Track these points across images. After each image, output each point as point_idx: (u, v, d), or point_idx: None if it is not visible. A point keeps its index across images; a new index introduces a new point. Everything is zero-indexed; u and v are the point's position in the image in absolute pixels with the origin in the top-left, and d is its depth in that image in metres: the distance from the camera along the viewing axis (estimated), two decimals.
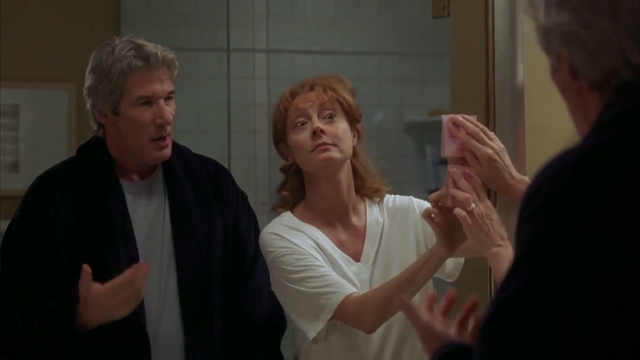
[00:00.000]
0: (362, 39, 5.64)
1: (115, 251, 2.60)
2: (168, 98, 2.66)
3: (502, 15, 2.86)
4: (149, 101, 2.62)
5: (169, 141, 2.65)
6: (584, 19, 1.36)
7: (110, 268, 2.59)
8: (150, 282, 2.62)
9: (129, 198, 2.68)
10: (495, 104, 2.89)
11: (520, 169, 2.88)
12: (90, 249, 2.62)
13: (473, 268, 3.01)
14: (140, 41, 2.65)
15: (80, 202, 2.65)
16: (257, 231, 2.81)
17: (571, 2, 1.37)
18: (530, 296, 1.26)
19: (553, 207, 1.28)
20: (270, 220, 2.70)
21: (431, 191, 5.50)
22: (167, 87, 2.65)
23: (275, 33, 5.44)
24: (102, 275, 2.58)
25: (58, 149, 4.75)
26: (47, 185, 2.71)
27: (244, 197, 2.85)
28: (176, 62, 2.68)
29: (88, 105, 2.68)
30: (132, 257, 2.61)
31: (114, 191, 2.66)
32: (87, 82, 2.66)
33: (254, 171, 5.34)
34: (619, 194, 1.26)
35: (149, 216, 2.69)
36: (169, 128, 2.64)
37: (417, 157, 5.67)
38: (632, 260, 1.24)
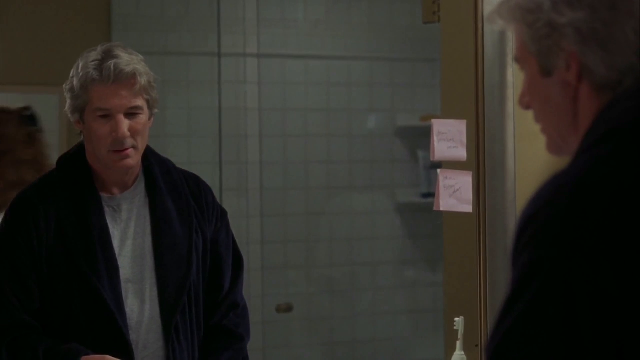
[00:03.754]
0: (353, 45, 5.64)
1: (95, 265, 2.60)
2: (132, 113, 2.63)
3: None
4: (107, 114, 2.61)
5: (129, 152, 2.62)
6: (601, 16, 1.36)
7: (89, 281, 2.60)
8: (132, 294, 2.64)
9: (108, 211, 2.68)
10: (485, 109, 2.90)
11: (509, 173, 2.89)
12: (70, 263, 2.62)
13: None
14: (115, 51, 2.63)
15: (60, 217, 2.65)
16: (234, 247, 2.88)
17: (585, 0, 1.37)
18: (532, 322, 1.26)
19: (551, 232, 1.28)
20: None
21: (424, 195, 5.55)
22: (127, 102, 2.61)
23: (267, 38, 5.45)
24: (83, 289, 2.60)
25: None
26: (27, 201, 2.70)
27: (223, 214, 2.86)
28: (138, 77, 2.61)
29: (66, 107, 2.68)
30: (112, 270, 2.62)
31: (93, 205, 2.66)
32: (67, 83, 2.68)
33: (245, 176, 5.35)
34: (617, 216, 1.25)
35: (129, 229, 2.69)
36: (129, 141, 2.61)
37: (409, 161, 5.67)
38: (632, 283, 1.23)
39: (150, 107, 2.67)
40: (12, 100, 5.05)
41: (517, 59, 1.51)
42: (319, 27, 5.59)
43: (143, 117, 2.64)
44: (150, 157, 2.76)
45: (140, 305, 2.65)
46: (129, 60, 2.62)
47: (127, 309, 2.62)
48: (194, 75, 5.37)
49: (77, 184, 2.69)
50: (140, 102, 2.63)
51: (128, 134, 2.60)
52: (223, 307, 2.80)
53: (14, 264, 2.64)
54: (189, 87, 5.36)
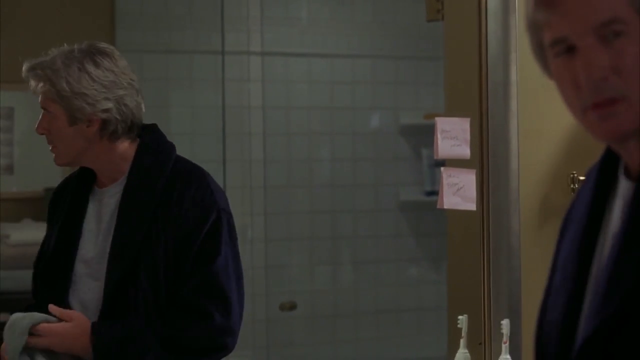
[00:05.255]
0: (357, 43, 5.65)
1: (51, 256, 2.69)
2: (45, 111, 2.64)
3: (495, 18, 2.87)
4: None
5: (53, 150, 2.66)
6: None
7: (40, 272, 2.72)
8: (98, 290, 2.64)
9: (96, 205, 2.70)
10: (489, 106, 2.89)
11: (513, 171, 2.89)
12: (45, 252, 2.73)
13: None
14: (60, 49, 2.69)
15: (59, 207, 2.75)
16: (207, 245, 2.65)
17: None
18: None
19: None
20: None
21: (427, 193, 5.55)
22: (39, 99, 2.65)
23: (270, 36, 5.45)
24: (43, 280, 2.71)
25: None
26: (57, 188, 2.84)
27: (207, 212, 2.65)
28: (32, 81, 2.65)
29: None
30: (66, 260, 2.67)
31: (77, 197, 2.72)
32: None
33: (249, 173, 5.35)
34: None
35: (102, 224, 2.69)
36: (47, 139, 2.66)
37: (413, 159, 5.68)
38: None
39: (71, 116, 2.62)
40: (15, 98, 5.06)
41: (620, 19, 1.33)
42: (323, 25, 5.60)
43: (52, 121, 2.63)
44: (143, 152, 2.71)
45: (91, 299, 2.65)
46: (38, 64, 2.67)
47: (81, 299, 2.65)
48: (198, 74, 5.37)
49: (83, 177, 2.75)
50: (47, 104, 2.63)
51: (39, 130, 2.65)
52: (170, 307, 2.63)
53: (42, 247, 2.79)
54: (193, 85, 5.36)
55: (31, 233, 4.57)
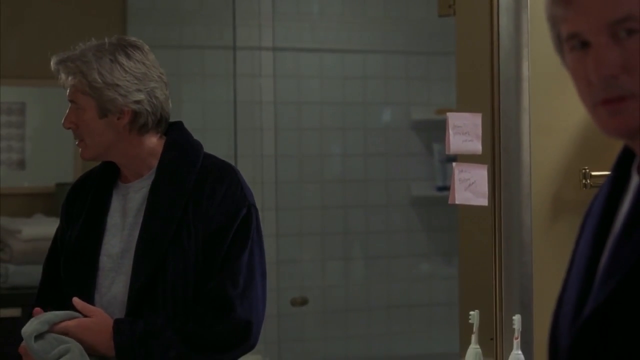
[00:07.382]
0: (368, 38, 5.65)
1: (72, 256, 2.68)
2: (74, 104, 2.65)
3: (507, 13, 2.86)
4: None
5: (80, 144, 2.65)
6: None
7: (64, 267, 2.70)
8: (113, 283, 2.64)
9: (120, 200, 2.69)
10: (500, 102, 2.89)
11: (525, 167, 2.89)
12: (62, 247, 2.73)
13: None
14: (89, 43, 2.68)
15: (80, 202, 2.74)
16: (244, 233, 2.66)
17: None
18: None
19: None
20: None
21: (439, 188, 5.55)
22: (67, 93, 2.66)
23: (282, 31, 5.45)
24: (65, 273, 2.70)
25: (64, 146, 4.76)
26: (73, 186, 2.83)
27: (236, 209, 2.65)
28: (61, 73, 2.66)
29: None
30: (86, 261, 2.66)
31: (99, 191, 2.71)
32: None
33: (260, 169, 5.35)
34: None
35: (127, 218, 2.68)
36: (74, 134, 2.65)
37: (425, 154, 5.68)
38: None
39: (102, 108, 2.62)
40: (26, 93, 5.07)
41: None
42: (334, 20, 5.60)
43: (80, 114, 2.63)
44: (171, 148, 2.72)
45: (125, 292, 2.64)
46: (68, 57, 2.66)
47: (104, 294, 2.64)
48: (209, 69, 5.38)
49: (107, 172, 2.74)
50: (76, 97, 2.64)
51: (66, 124, 2.65)
52: (194, 302, 2.63)
53: (55, 242, 2.79)
54: (204, 80, 5.37)
55: (42, 228, 4.57)
